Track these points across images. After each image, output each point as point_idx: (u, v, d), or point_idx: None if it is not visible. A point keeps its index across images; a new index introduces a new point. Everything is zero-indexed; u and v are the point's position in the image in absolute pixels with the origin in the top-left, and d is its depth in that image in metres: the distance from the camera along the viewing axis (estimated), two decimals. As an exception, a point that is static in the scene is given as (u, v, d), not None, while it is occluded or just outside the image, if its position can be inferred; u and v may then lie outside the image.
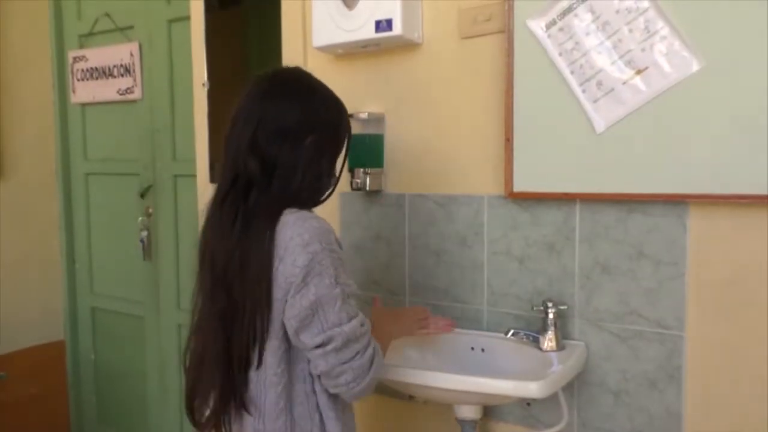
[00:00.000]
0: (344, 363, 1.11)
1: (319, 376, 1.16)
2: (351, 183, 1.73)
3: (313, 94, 1.22)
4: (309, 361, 1.15)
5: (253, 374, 1.16)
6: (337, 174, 1.28)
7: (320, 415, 1.18)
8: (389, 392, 1.70)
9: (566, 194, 1.47)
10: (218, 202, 1.18)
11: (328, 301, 1.10)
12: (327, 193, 1.27)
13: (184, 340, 2.66)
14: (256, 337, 1.13)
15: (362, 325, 1.14)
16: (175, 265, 2.54)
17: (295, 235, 1.10)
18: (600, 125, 1.41)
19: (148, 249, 2.60)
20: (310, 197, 1.21)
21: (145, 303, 2.66)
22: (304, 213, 1.15)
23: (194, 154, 2.24)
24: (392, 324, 1.40)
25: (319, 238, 1.11)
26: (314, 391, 1.18)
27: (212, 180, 2.14)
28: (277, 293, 1.11)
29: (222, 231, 1.16)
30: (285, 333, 1.14)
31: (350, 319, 1.12)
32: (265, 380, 1.15)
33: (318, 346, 1.10)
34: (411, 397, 1.72)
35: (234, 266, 1.12)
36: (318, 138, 1.19)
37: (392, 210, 1.77)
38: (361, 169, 1.72)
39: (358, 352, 1.12)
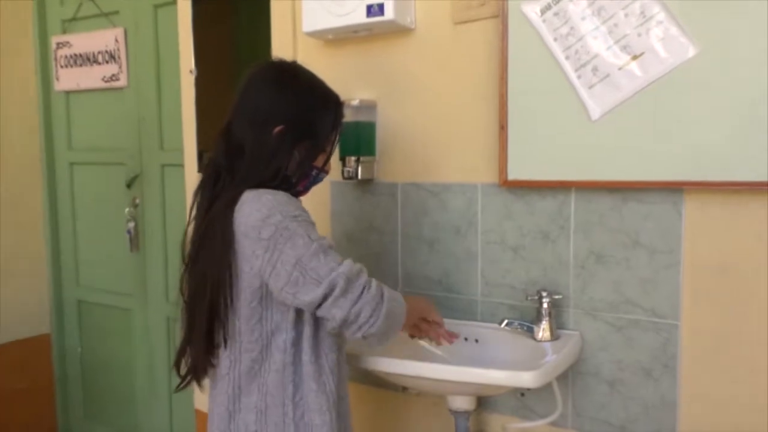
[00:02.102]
0: (356, 302, 1.12)
1: (297, 346, 1.19)
2: (342, 172, 1.73)
3: (291, 84, 1.24)
4: (322, 322, 1.18)
5: (225, 347, 1.21)
6: (320, 167, 1.29)
7: (296, 386, 1.21)
8: (382, 384, 1.71)
9: (561, 182, 1.48)
10: (196, 189, 1.26)
11: (310, 257, 1.12)
12: (305, 184, 1.28)
13: (173, 333, 2.66)
14: (219, 315, 1.18)
15: (355, 263, 1.16)
16: (163, 256, 2.54)
17: (254, 211, 1.14)
18: (595, 112, 1.42)
19: (135, 240, 2.60)
20: (279, 187, 1.22)
21: (133, 295, 2.66)
22: (260, 190, 1.17)
23: (182, 143, 2.24)
24: (411, 305, 1.39)
25: (279, 209, 1.14)
26: (294, 362, 1.20)
27: (200, 169, 2.13)
28: (245, 266, 1.15)
29: (195, 217, 1.24)
30: (258, 303, 1.17)
31: (340, 263, 1.14)
32: (240, 347, 1.20)
33: (324, 298, 1.12)
34: (404, 389, 1.73)
35: (195, 247, 1.19)
36: (288, 129, 1.21)
37: (384, 199, 1.78)
38: (353, 158, 1.72)
39: (364, 287, 1.14)
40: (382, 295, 1.15)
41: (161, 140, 2.50)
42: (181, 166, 2.28)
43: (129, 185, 2.59)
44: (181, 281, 1.26)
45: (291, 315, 1.19)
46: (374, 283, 1.16)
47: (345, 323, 1.14)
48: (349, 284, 1.12)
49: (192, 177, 2.18)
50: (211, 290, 1.17)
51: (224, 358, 1.23)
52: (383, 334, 1.17)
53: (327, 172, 1.33)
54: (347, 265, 1.13)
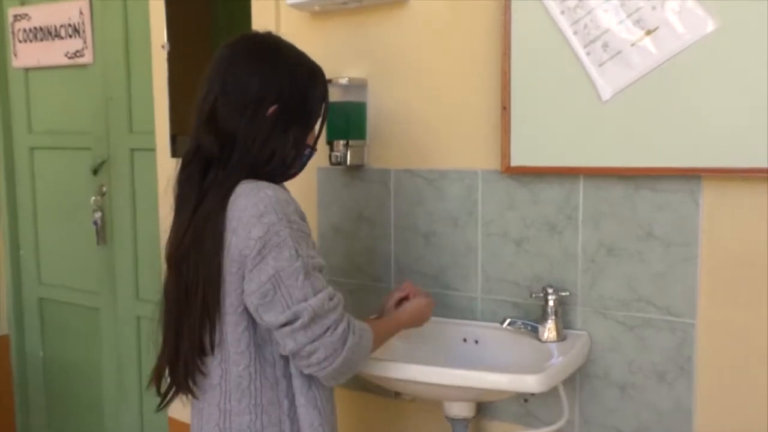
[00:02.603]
0: (314, 340, 1.13)
1: (288, 358, 1.20)
2: (329, 157, 1.73)
3: (278, 60, 1.24)
4: (277, 342, 1.18)
5: (214, 355, 1.21)
6: (311, 145, 1.30)
7: (291, 402, 1.21)
8: (372, 389, 1.72)
9: (569, 168, 1.48)
10: (179, 179, 1.24)
11: (289, 275, 1.12)
12: (298, 167, 1.29)
13: (144, 334, 2.66)
14: (209, 319, 1.17)
15: (331, 298, 1.16)
16: (133, 250, 2.54)
17: (249, 206, 1.13)
18: (606, 92, 1.42)
19: (102, 232, 2.59)
20: (275, 171, 1.23)
21: (100, 293, 2.65)
22: (259, 183, 1.17)
23: (153, 125, 2.23)
24: (404, 312, 1.43)
25: (276, 207, 1.13)
26: (286, 376, 1.21)
27: (174, 154, 2.14)
28: (231, 267, 1.15)
29: (178, 210, 1.23)
30: (245, 309, 1.18)
31: (316, 292, 1.14)
32: (228, 358, 1.20)
33: (284, 325, 1.13)
34: (397, 394, 1.74)
35: (186, 245, 1.18)
36: (282, 108, 1.21)
37: (376, 187, 1.78)
38: (341, 142, 1.72)
39: (328, 328, 1.14)
40: (344, 342, 1.16)
41: (130, 122, 2.49)
42: (153, 150, 2.27)
43: (95, 172, 2.58)
44: (165, 284, 1.24)
45: None
46: (342, 326, 1.16)
47: (295, 356, 1.16)
48: (313, 320, 1.13)
49: (165, 162, 2.17)
50: (204, 291, 1.16)
51: (215, 367, 1.22)
52: (332, 378, 1.19)
53: (316, 150, 1.33)
54: (320, 299, 1.14)
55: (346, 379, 1.23)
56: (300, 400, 1.21)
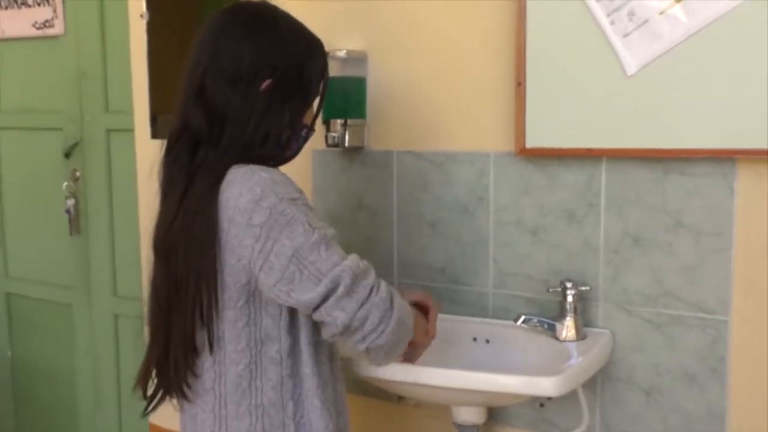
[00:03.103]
0: (363, 305, 1.11)
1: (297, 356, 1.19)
2: (326, 138, 1.72)
3: (273, 30, 1.23)
4: (319, 327, 1.16)
5: (208, 355, 1.20)
6: (309, 124, 1.30)
7: (297, 404, 1.21)
8: (373, 392, 1.72)
9: (590, 150, 1.48)
10: (165, 161, 1.24)
11: (310, 250, 1.11)
12: (294, 148, 1.29)
13: (123, 334, 2.67)
14: (203, 316, 1.17)
15: (361, 259, 1.15)
16: (110, 241, 2.54)
17: (245, 191, 1.12)
18: (631, 65, 1.41)
19: (75, 221, 2.58)
20: (270, 154, 1.22)
21: (74, 288, 2.65)
22: (252, 166, 1.17)
23: (132, 103, 2.22)
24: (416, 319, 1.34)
25: (274, 189, 1.13)
26: (293, 375, 1.21)
27: (155, 135, 2.13)
28: (230, 259, 1.14)
29: (165, 194, 1.22)
30: (246, 303, 1.17)
31: (344, 257, 1.13)
32: (225, 358, 1.20)
33: (325, 298, 1.11)
34: (400, 399, 1.74)
35: (174, 234, 1.17)
36: (277, 82, 1.21)
37: (377, 171, 1.77)
38: (339, 121, 1.71)
39: (372, 287, 1.13)
40: (392, 300, 1.15)
41: (106, 100, 2.48)
42: (131, 131, 2.26)
43: (67, 155, 2.58)
44: (153, 278, 1.24)
45: (284, 319, 1.19)
46: (383, 284, 1.15)
47: (348, 329, 1.12)
48: (355, 283, 1.11)
49: (144, 144, 2.16)
50: (196, 286, 1.15)
51: (208, 368, 1.22)
52: (391, 347, 1.17)
53: (314, 131, 1.33)
54: (353, 260, 1.12)
55: (400, 352, 1.20)
56: (315, 402, 1.21)
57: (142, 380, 1.28)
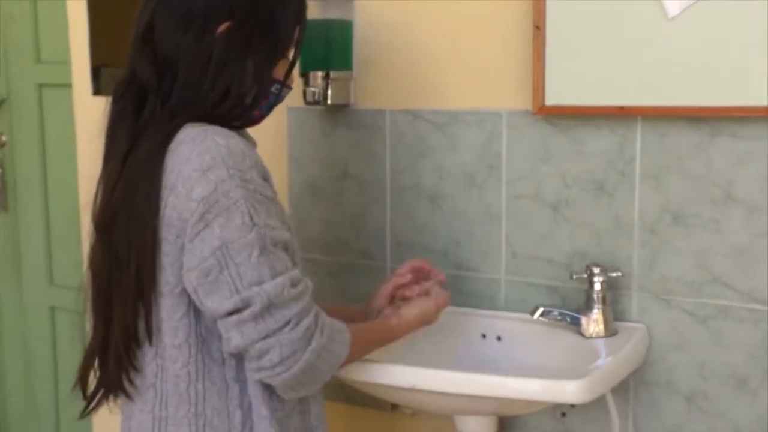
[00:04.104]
0: (268, 336, 1.13)
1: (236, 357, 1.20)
2: (304, 93, 1.71)
3: None
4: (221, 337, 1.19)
5: (149, 346, 1.22)
6: (281, 80, 1.29)
7: (247, 413, 1.22)
8: (362, 400, 1.72)
9: (622, 108, 1.47)
10: (109, 117, 1.25)
11: (239, 249, 1.12)
12: (264, 108, 1.29)
13: (60, 329, 2.66)
14: (143, 301, 1.18)
15: (294, 285, 1.15)
16: (44, 219, 2.53)
17: (193, 157, 1.13)
18: (673, 6, 1.41)
19: (1, 196, 2.59)
20: (233, 114, 1.22)
21: (0, 275, 2.65)
22: (207, 128, 1.17)
23: (68, 53, 2.21)
24: (403, 319, 1.39)
25: (226, 160, 1.13)
26: (239, 379, 1.21)
27: (97, 91, 2.12)
28: (168, 234, 1.15)
29: (107, 157, 1.23)
30: (185, 290, 1.18)
31: (275, 275, 1.13)
32: (163, 353, 1.21)
33: (230, 314, 1.13)
34: (394, 407, 1.75)
35: (115, 203, 1.19)
36: (238, 25, 1.21)
37: (366, 134, 1.77)
38: (319, 73, 1.70)
39: (287, 322, 1.13)
40: (308, 342, 1.15)
41: (37, 49, 2.47)
42: (68, 87, 2.25)
43: (-9, 115, 2.56)
44: (91, 255, 1.25)
45: None
46: (306, 320, 1.15)
47: (243, 354, 1.16)
48: (267, 310, 1.12)
49: (84, 102, 2.15)
50: (137, 263, 1.17)
51: (150, 360, 1.23)
52: (289, 387, 1.19)
53: (290, 88, 1.33)
54: (278, 283, 1.13)
55: (311, 391, 1.23)
56: (262, 411, 1.21)
57: (83, 377, 1.29)
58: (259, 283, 1.12)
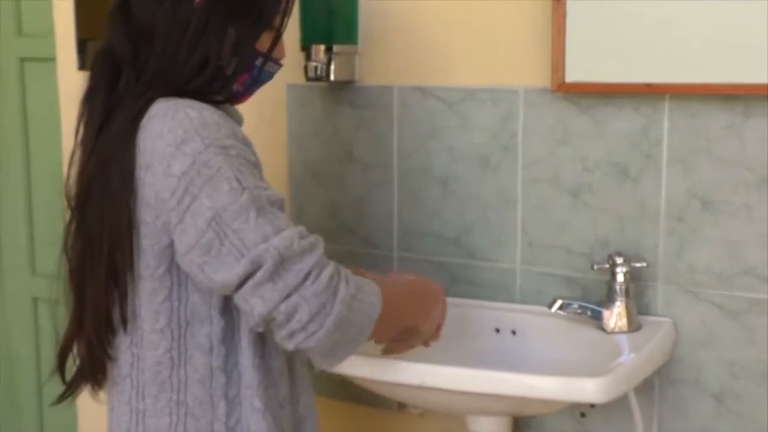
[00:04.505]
0: (290, 294, 1.11)
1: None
2: (305, 69, 1.71)
3: None
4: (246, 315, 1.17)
5: (123, 337, 1.23)
6: (265, 53, 1.29)
7: (232, 404, 1.22)
8: (366, 398, 1.73)
9: (649, 86, 1.47)
10: (85, 90, 1.26)
11: (235, 214, 1.11)
12: (246, 80, 1.29)
13: (44, 321, 2.66)
14: (117, 284, 1.19)
15: (303, 237, 1.14)
16: (26, 202, 2.54)
17: (165, 132, 1.13)
18: (705, -26, 1.40)
19: (-19, 178, 2.58)
20: (211, 88, 1.22)
21: (-21, 264, 2.66)
22: (179, 101, 1.17)
23: (52, 25, 2.21)
24: (406, 299, 1.37)
25: (200, 132, 1.13)
26: (226, 369, 1.21)
27: (83, 66, 2.12)
28: (146, 215, 1.16)
29: (82, 133, 1.24)
30: (167, 271, 1.18)
31: (279, 230, 1.13)
32: (141, 340, 1.22)
33: (244, 280, 1.11)
34: (401, 406, 1.75)
35: (88, 180, 1.20)
36: None
37: (372, 113, 1.77)
38: (322, 47, 1.69)
39: (308, 274, 1.12)
40: (335, 291, 1.13)
41: (19, 21, 2.47)
42: (52, 61, 2.25)
43: (-31, 91, 2.57)
44: (65, 238, 1.26)
45: (218, 295, 1.19)
46: (327, 270, 1.14)
47: (270, 323, 1.13)
48: (281, 266, 1.10)
49: (69, 78, 2.15)
50: (110, 245, 1.17)
51: (125, 350, 1.24)
52: (330, 350, 1.17)
53: (279, 64, 1.33)
54: (287, 236, 1.12)
55: (351, 352, 1.20)
56: (255, 403, 1.21)
57: (60, 363, 1.30)
58: (265, 239, 1.11)
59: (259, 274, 1.09)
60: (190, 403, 1.21)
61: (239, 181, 1.12)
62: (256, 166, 1.18)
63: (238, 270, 1.10)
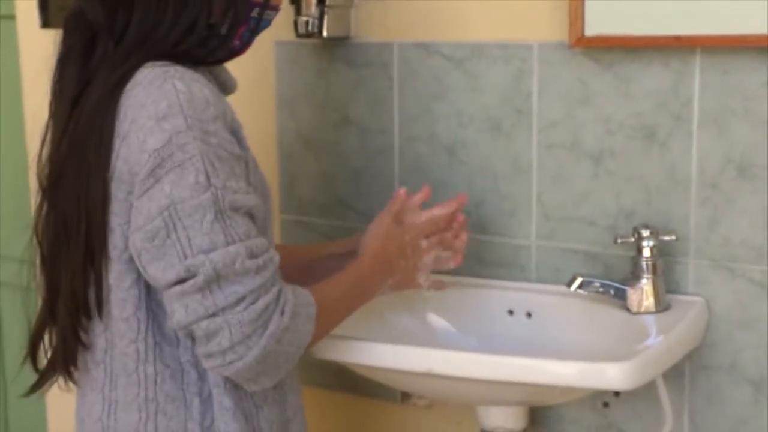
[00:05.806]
0: (215, 315, 1.12)
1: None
2: (295, 24, 1.71)
3: None
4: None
5: (98, 322, 1.25)
6: (261, 2, 1.29)
7: (206, 402, 1.23)
8: (367, 389, 1.74)
9: (678, 39, 1.47)
10: (58, 56, 1.26)
11: (190, 210, 1.12)
12: (242, 33, 1.29)
13: (6, 307, 2.67)
14: (93, 266, 1.20)
15: (253, 256, 1.15)
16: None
17: (149, 102, 1.14)
18: None
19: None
20: (205, 46, 1.23)
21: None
22: (169, 69, 1.17)
23: (11, -22, 2.21)
24: (383, 262, 1.42)
25: (185, 109, 1.14)
26: (196, 363, 1.22)
27: (46, 23, 2.13)
28: (118, 191, 1.17)
29: (56, 101, 1.26)
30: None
31: (229, 242, 1.14)
32: (112, 327, 1.23)
33: (174, 284, 1.13)
34: (405, 397, 1.77)
35: (62, 155, 1.21)
36: None
37: (369, 72, 1.77)
38: (313, 0, 1.69)
39: (241, 299, 1.13)
40: (266, 325, 1.14)
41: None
42: (11, 19, 2.26)
43: None
44: (36, 217, 1.27)
45: None
46: (265, 299, 1.14)
47: (190, 333, 1.16)
48: (216, 282, 1.12)
49: (31, 36, 2.16)
50: (87, 223, 1.18)
51: (99, 334, 1.25)
52: (247, 378, 1.19)
53: (277, 9, 1.33)
54: (232, 252, 1.12)
55: (274, 380, 1.23)
56: (225, 401, 1.22)
57: (32, 352, 1.32)
58: (209, 250, 1.12)
59: (188, 284, 1.12)
60: (161, 401, 1.23)
61: (207, 177, 1.13)
62: (238, 158, 1.19)
63: (171, 273, 1.13)
